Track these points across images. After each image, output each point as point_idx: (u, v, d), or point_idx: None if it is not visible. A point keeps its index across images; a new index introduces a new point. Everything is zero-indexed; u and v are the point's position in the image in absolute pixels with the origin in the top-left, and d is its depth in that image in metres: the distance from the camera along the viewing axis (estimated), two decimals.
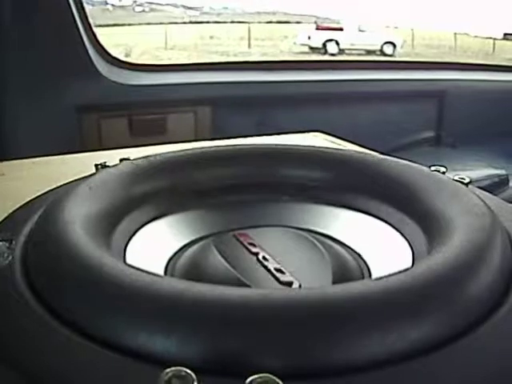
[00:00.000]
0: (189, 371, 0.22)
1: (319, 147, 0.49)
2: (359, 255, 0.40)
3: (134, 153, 0.49)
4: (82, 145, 1.09)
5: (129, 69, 1.24)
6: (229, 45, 6.25)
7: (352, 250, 0.40)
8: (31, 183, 0.51)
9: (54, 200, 0.38)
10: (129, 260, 0.35)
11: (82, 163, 0.53)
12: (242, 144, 0.49)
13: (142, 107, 1.18)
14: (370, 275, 0.38)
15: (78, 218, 0.34)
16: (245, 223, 0.42)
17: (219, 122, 1.21)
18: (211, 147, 0.48)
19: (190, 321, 0.25)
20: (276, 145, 0.49)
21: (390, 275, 0.28)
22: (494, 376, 0.24)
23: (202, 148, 0.48)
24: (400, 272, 0.29)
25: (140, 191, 0.41)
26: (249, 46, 6.57)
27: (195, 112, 1.19)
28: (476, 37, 7.57)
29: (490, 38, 7.12)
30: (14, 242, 0.35)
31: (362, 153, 0.49)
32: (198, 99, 1.21)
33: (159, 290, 0.27)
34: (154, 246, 0.38)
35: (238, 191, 0.44)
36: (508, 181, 1.08)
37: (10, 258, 0.33)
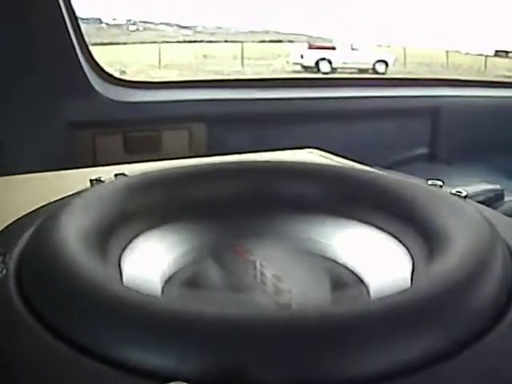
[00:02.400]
0: None
1: (316, 163, 0.49)
2: (358, 271, 0.40)
3: (129, 169, 0.49)
4: (77, 162, 1.08)
5: (123, 86, 1.24)
6: (222, 64, 6.29)
7: (351, 263, 0.40)
8: (26, 199, 0.50)
9: (48, 214, 0.38)
10: (125, 273, 0.34)
11: (77, 179, 0.53)
12: (238, 160, 0.49)
13: (136, 124, 1.17)
14: (368, 290, 0.37)
15: (72, 232, 0.33)
16: (243, 236, 0.42)
17: (214, 139, 1.21)
18: (206, 163, 0.48)
19: (187, 335, 0.24)
20: (274, 160, 0.49)
21: (390, 292, 0.28)
22: None
23: (197, 164, 0.48)
24: (400, 287, 0.28)
25: (135, 205, 0.40)
26: (242, 64, 6.61)
27: (190, 129, 1.19)
28: (467, 54, 7.64)
29: (482, 54, 7.19)
30: (7, 256, 0.34)
31: (359, 168, 0.49)
32: (192, 116, 1.21)
33: (156, 305, 0.26)
34: (149, 258, 0.38)
35: (236, 205, 0.44)
36: (503, 196, 1.08)
37: (4, 272, 0.32)
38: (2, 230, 0.40)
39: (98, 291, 0.27)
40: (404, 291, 0.28)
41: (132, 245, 0.38)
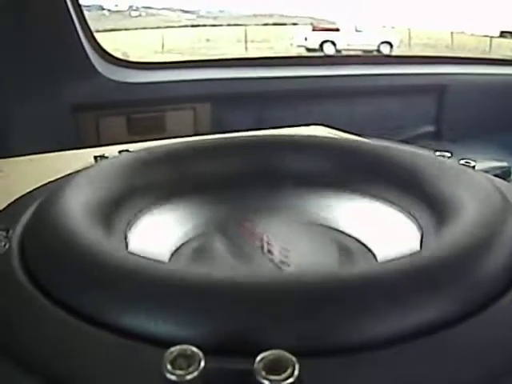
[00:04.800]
0: (195, 349, 0.21)
1: (323, 136, 0.48)
2: (365, 242, 0.39)
3: (133, 147, 0.49)
4: (80, 143, 1.08)
5: (126, 67, 1.23)
6: (226, 47, 6.28)
7: (358, 235, 0.40)
8: (30, 179, 0.50)
9: (52, 190, 0.37)
10: (131, 245, 0.34)
11: (80, 159, 0.52)
12: (245, 136, 0.48)
13: (140, 105, 1.17)
14: (376, 258, 0.37)
15: (76, 206, 0.33)
16: (250, 210, 0.42)
17: (219, 119, 1.21)
18: (212, 138, 0.47)
19: (195, 298, 0.24)
20: (281, 134, 0.48)
21: (400, 257, 0.27)
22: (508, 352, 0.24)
23: (202, 139, 0.47)
24: (410, 253, 0.28)
25: (141, 180, 0.40)
26: (245, 48, 6.59)
27: (194, 109, 1.19)
28: (472, 35, 7.60)
29: (487, 36, 7.16)
30: (11, 231, 0.34)
31: (367, 142, 0.48)
32: (196, 96, 1.21)
33: (163, 271, 0.26)
34: (156, 232, 0.38)
35: (243, 179, 0.43)
36: (510, 172, 1.07)
37: (8, 246, 0.32)
38: (6, 207, 0.40)
39: (102, 261, 0.27)
40: (413, 254, 0.27)
41: (138, 218, 0.38)
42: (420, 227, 0.36)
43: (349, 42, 6.10)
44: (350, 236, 0.40)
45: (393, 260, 0.26)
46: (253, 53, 6.30)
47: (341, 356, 0.22)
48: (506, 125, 1.42)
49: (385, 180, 0.40)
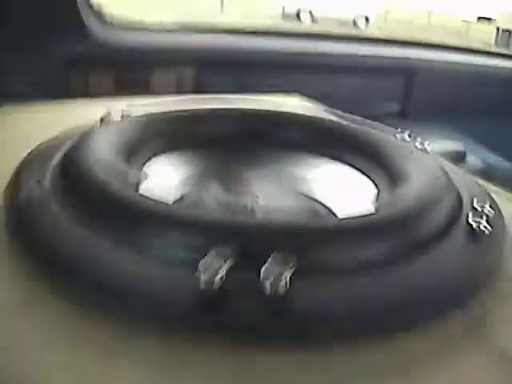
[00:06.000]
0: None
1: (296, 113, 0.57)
2: (330, 202, 0.48)
3: (121, 104, 0.54)
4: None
5: (117, 27, 1.26)
6: (204, 7, 6.25)
7: (324, 195, 0.49)
8: (40, 127, 0.55)
9: (73, 144, 0.44)
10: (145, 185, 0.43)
11: (88, 109, 0.57)
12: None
13: (127, 65, 1.20)
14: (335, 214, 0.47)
15: (101, 155, 0.41)
16: (238, 166, 0.51)
17: (202, 83, 1.25)
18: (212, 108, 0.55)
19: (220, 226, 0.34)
20: (268, 109, 0.57)
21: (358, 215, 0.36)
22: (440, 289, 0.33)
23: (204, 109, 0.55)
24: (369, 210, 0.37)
25: (154, 135, 0.49)
26: (222, 11, 6.58)
27: (179, 72, 1.23)
28: (451, 18, 7.70)
29: (465, 20, 7.29)
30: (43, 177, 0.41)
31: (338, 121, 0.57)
32: (181, 60, 1.25)
33: (191, 211, 0.38)
34: (162, 178, 0.47)
35: (232, 142, 0.52)
36: (465, 155, 1.17)
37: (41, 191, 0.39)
38: (30, 153, 0.45)
39: (129, 202, 0.36)
40: (369, 214, 0.37)
41: (149, 166, 0.47)
42: (376, 186, 0.45)
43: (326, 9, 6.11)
44: (317, 199, 0.49)
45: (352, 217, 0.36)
46: (228, 12, 6.29)
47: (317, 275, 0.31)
48: (469, 112, 1.49)
49: (351, 150, 0.49)
